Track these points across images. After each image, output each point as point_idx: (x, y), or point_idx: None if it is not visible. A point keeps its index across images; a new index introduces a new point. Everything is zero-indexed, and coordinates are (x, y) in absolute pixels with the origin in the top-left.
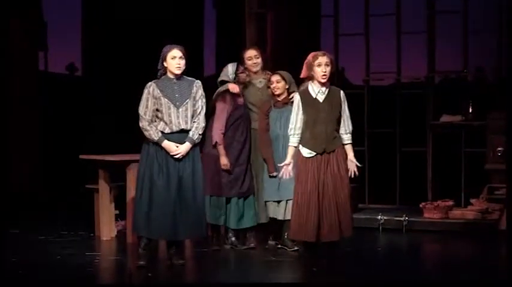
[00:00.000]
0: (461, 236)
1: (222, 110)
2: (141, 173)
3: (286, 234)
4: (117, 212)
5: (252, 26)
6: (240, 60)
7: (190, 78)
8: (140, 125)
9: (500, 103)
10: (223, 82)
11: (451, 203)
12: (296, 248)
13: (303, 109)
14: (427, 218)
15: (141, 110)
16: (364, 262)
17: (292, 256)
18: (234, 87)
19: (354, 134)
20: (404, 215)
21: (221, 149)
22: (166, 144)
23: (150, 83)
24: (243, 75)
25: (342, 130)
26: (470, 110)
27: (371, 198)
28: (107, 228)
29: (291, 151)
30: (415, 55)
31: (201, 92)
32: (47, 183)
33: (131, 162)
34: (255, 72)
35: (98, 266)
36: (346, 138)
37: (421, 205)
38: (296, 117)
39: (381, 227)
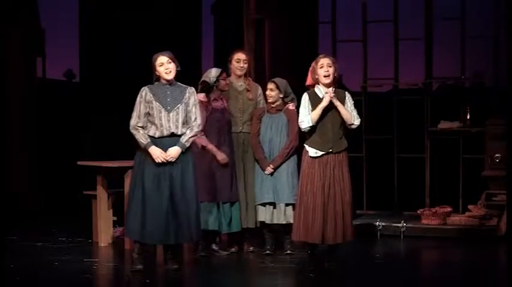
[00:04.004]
0: (459, 243)
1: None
2: (133, 179)
3: (269, 237)
4: (115, 218)
5: (250, 32)
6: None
7: (184, 85)
8: (130, 128)
9: (498, 109)
10: (204, 83)
11: (449, 209)
12: (290, 252)
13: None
14: (425, 224)
15: (134, 114)
16: (361, 268)
17: (288, 261)
18: (199, 97)
19: (351, 141)
20: (402, 222)
21: (211, 148)
22: (152, 149)
23: (144, 87)
24: (223, 83)
25: None
26: (468, 117)
27: (369, 204)
28: (105, 234)
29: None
30: (412, 61)
31: (194, 98)
32: (46, 189)
33: (129, 168)
34: (239, 76)
35: (96, 273)
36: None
37: (419, 211)
38: (306, 112)
39: (378, 233)
